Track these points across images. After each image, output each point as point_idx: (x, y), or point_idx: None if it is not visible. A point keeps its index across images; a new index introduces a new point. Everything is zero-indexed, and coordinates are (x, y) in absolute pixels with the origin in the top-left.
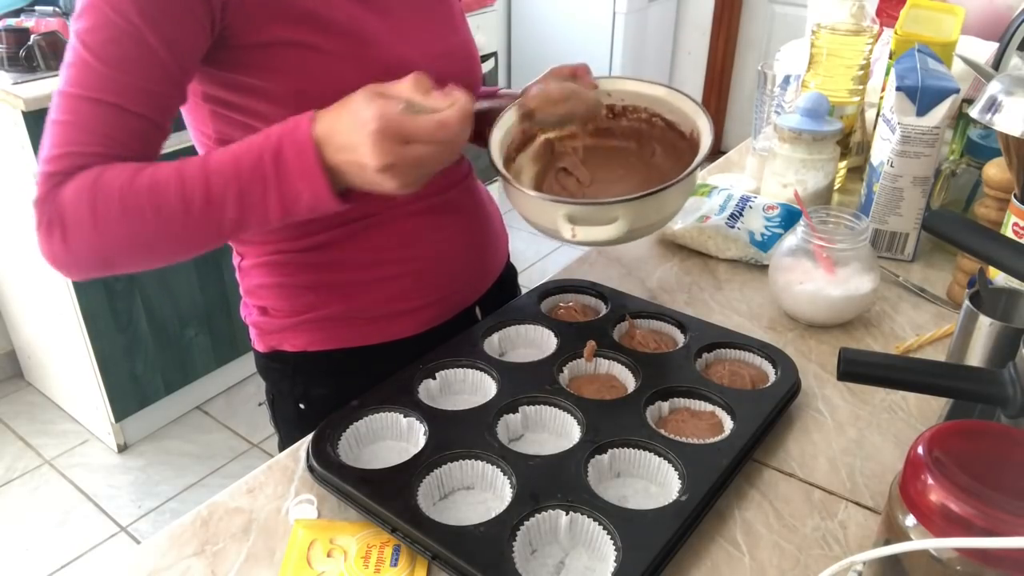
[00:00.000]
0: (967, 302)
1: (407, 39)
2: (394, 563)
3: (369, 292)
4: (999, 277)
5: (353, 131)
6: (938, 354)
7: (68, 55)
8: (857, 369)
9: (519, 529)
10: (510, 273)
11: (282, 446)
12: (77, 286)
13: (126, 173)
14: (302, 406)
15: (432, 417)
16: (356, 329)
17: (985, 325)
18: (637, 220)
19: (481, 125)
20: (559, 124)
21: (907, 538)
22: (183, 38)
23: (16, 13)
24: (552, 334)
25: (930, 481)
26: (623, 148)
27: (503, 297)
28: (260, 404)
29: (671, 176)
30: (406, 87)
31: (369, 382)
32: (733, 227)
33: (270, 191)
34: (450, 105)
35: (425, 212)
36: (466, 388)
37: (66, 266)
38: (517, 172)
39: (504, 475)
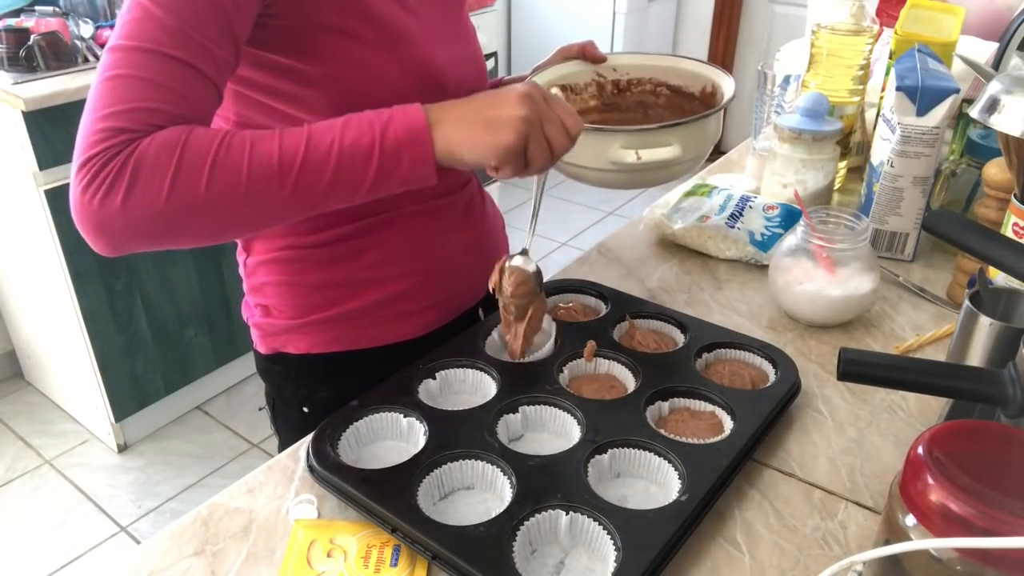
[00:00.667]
0: (967, 302)
1: (434, 41)
2: (394, 563)
3: (375, 292)
4: (999, 277)
5: (489, 107)
6: (938, 354)
7: (128, 9)
8: (857, 369)
9: (519, 529)
10: None
11: (283, 449)
12: (77, 286)
13: (220, 133)
14: (306, 409)
15: (432, 417)
16: (361, 331)
17: (985, 325)
18: (688, 144)
19: None
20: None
21: (907, 538)
22: (249, 4)
23: (16, 13)
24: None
25: (930, 481)
26: (628, 120)
27: None
28: (260, 409)
29: None
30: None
31: (373, 384)
32: (733, 227)
33: (373, 154)
34: (575, 114)
35: (432, 213)
36: (466, 388)
37: (110, 229)
38: None
39: (504, 475)
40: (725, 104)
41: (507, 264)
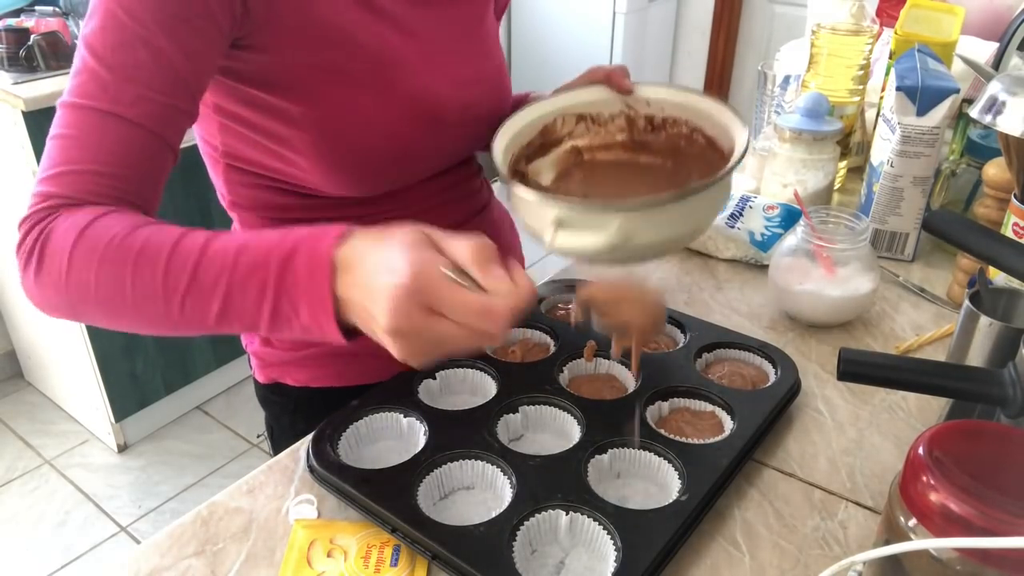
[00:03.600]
0: (967, 302)
1: (436, 64)
2: (394, 563)
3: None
4: (999, 277)
5: (377, 274)
6: (938, 354)
7: (75, 62)
8: (857, 369)
9: (519, 529)
10: None
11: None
12: None
13: (121, 226)
14: None
15: (432, 417)
16: (361, 366)
17: (985, 325)
18: (635, 232)
19: None
20: (615, 329)
21: (907, 538)
22: (202, 47)
23: (16, 13)
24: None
25: (930, 481)
26: (656, 167)
27: None
28: (259, 436)
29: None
30: (465, 250)
31: None
32: (733, 227)
33: (265, 299)
34: (507, 293)
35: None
36: (466, 388)
37: (35, 301)
38: (534, 174)
39: (504, 475)
40: (698, 188)
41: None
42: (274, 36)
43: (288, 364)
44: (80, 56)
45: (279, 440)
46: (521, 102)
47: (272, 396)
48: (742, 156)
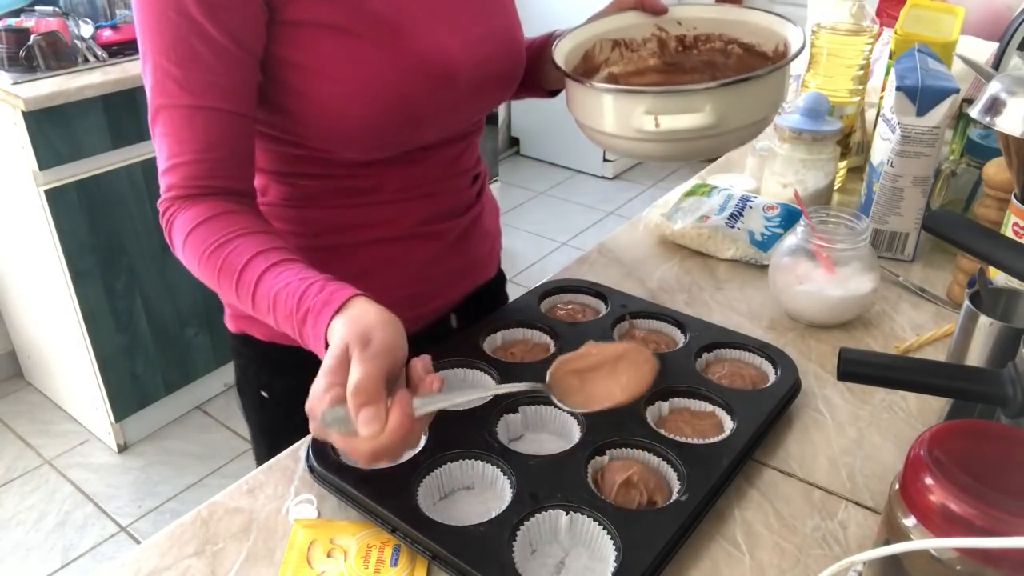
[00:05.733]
0: (967, 302)
1: (444, 22)
2: (394, 563)
3: None
4: (999, 277)
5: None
6: (938, 354)
7: (144, 67)
8: (857, 369)
9: (519, 529)
10: (496, 281)
11: (251, 431)
12: (77, 286)
13: (209, 240)
14: (264, 394)
15: (432, 417)
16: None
17: (985, 325)
18: (727, 112)
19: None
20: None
21: (907, 538)
22: (243, 25)
23: (16, 13)
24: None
25: (930, 481)
26: (694, 82)
27: (483, 303)
28: (226, 385)
29: None
30: (351, 386)
31: None
32: (733, 227)
33: (295, 334)
34: (368, 437)
35: (426, 238)
36: (466, 388)
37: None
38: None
39: (504, 475)
40: (779, 66)
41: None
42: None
43: (255, 319)
44: (147, 61)
45: (245, 391)
46: (545, 43)
47: (241, 347)
48: (802, 46)
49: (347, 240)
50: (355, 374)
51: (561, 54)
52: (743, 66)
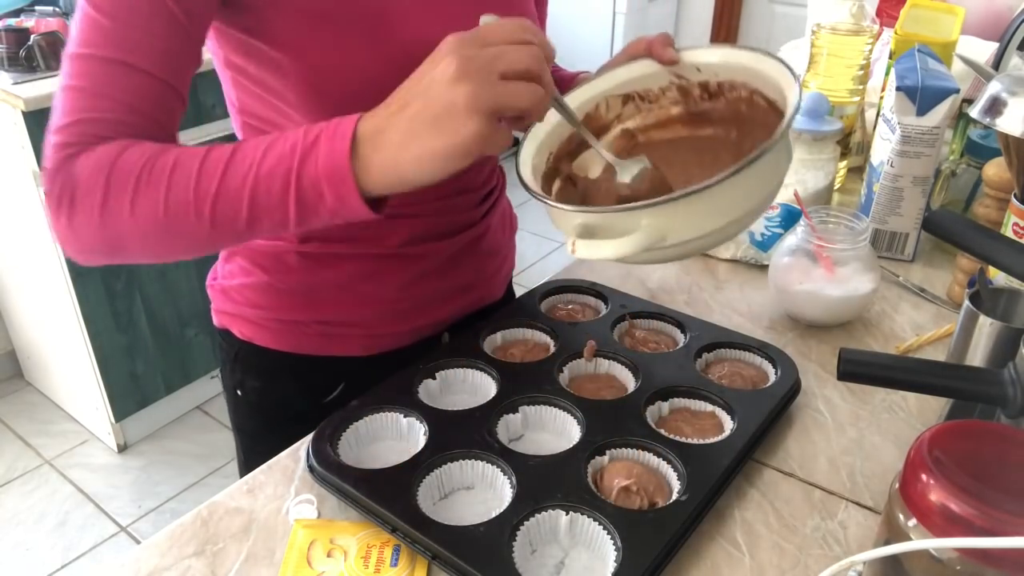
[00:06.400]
0: (967, 302)
1: (437, 12)
2: (394, 563)
3: (322, 312)
4: (999, 277)
5: (419, 85)
6: (938, 354)
7: (75, 14)
8: (857, 369)
9: (519, 529)
10: (501, 303)
11: (232, 418)
12: (77, 286)
13: (149, 152)
14: (239, 392)
15: (432, 417)
16: (303, 338)
17: (985, 325)
18: (670, 232)
19: None
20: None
21: (907, 538)
22: None
23: (16, 13)
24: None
25: (930, 481)
26: (720, 139)
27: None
28: (212, 376)
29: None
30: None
31: (309, 389)
32: None
33: (290, 186)
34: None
35: (410, 259)
36: (466, 388)
37: (71, 247)
38: (582, 170)
39: (504, 475)
40: (746, 163)
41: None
42: None
43: (237, 317)
44: (80, 7)
45: (225, 384)
46: (572, 81)
47: (221, 341)
48: (790, 122)
49: (331, 251)
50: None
51: (531, 148)
52: (768, 123)
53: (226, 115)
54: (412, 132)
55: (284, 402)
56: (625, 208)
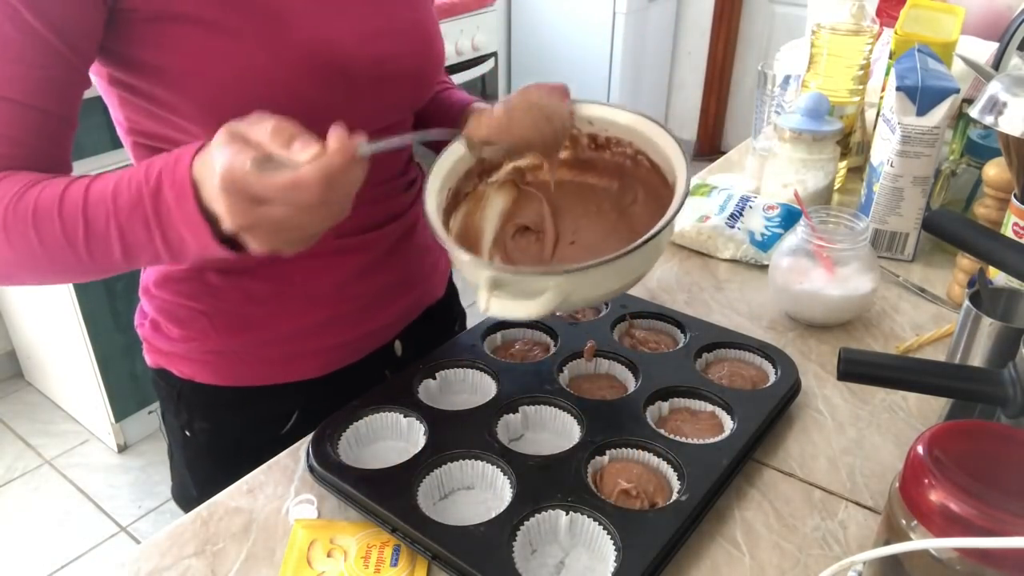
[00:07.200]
0: (967, 302)
1: (336, 13)
2: (394, 563)
3: (266, 328)
4: (999, 277)
5: (210, 179)
6: (938, 354)
7: None
8: (857, 369)
9: (519, 529)
10: (445, 301)
11: (172, 465)
12: (77, 286)
13: (13, 189)
14: (187, 433)
15: (432, 417)
16: (249, 367)
17: (985, 325)
18: (572, 292)
19: (438, 148)
20: (517, 152)
21: (907, 538)
22: (70, 15)
23: None
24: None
25: (930, 481)
26: (601, 188)
27: (431, 327)
28: (150, 412)
29: (640, 234)
30: (264, 134)
31: (259, 420)
32: (733, 227)
33: (154, 234)
34: (310, 159)
35: (347, 251)
36: (466, 388)
37: None
38: (481, 202)
39: (504, 475)
40: (650, 237)
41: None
42: None
43: (174, 355)
44: None
45: (168, 425)
46: (465, 107)
47: (160, 381)
48: (680, 206)
49: (255, 260)
50: (262, 126)
51: (432, 192)
52: (649, 183)
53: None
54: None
55: (237, 440)
56: (539, 271)
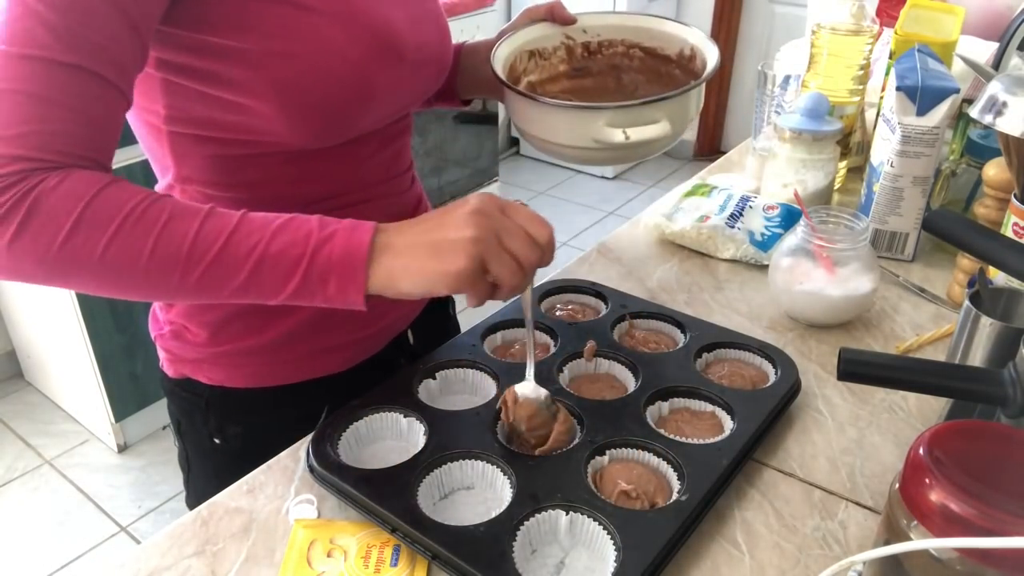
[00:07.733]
0: (967, 302)
1: (391, 0)
2: (394, 563)
3: (291, 323)
4: (999, 277)
5: (442, 217)
6: (938, 354)
7: (9, 8)
8: (857, 369)
9: (519, 529)
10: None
11: (190, 477)
12: None
13: (138, 197)
14: (217, 440)
15: (432, 417)
16: (278, 367)
17: (985, 325)
18: (676, 118)
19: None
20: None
21: (907, 538)
22: None
23: None
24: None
25: (930, 481)
26: (601, 86)
27: (437, 315)
28: (164, 428)
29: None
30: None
31: (291, 420)
32: (733, 227)
33: (298, 268)
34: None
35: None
36: (466, 388)
37: (1, 264)
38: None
39: (504, 475)
40: (710, 74)
41: (516, 396)
42: None
43: (202, 361)
44: (18, 2)
45: (188, 435)
46: (457, 55)
47: (182, 392)
48: (716, 65)
49: None
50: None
51: (502, 70)
52: (646, 68)
53: None
54: (414, 246)
55: (271, 441)
56: (649, 100)
